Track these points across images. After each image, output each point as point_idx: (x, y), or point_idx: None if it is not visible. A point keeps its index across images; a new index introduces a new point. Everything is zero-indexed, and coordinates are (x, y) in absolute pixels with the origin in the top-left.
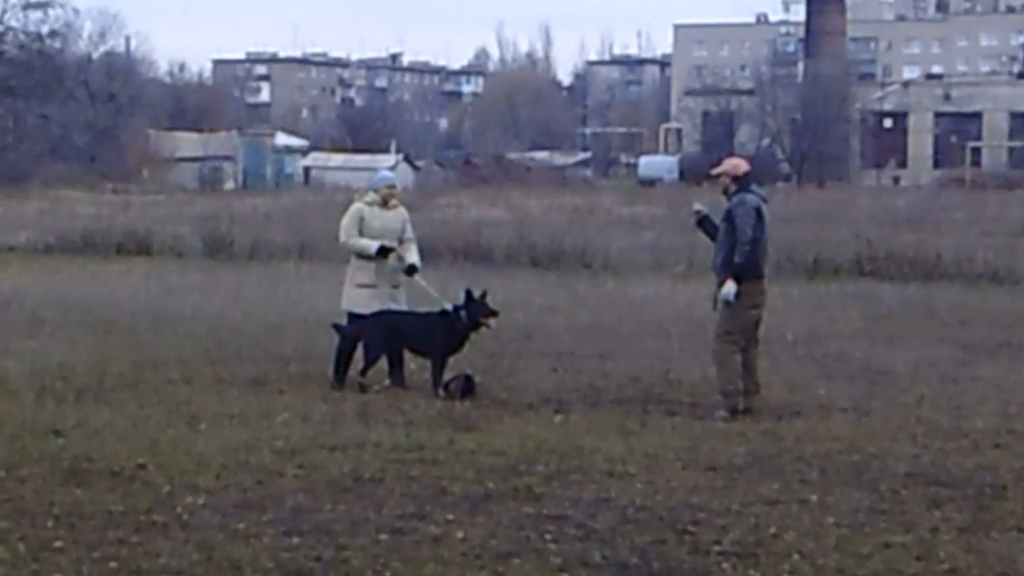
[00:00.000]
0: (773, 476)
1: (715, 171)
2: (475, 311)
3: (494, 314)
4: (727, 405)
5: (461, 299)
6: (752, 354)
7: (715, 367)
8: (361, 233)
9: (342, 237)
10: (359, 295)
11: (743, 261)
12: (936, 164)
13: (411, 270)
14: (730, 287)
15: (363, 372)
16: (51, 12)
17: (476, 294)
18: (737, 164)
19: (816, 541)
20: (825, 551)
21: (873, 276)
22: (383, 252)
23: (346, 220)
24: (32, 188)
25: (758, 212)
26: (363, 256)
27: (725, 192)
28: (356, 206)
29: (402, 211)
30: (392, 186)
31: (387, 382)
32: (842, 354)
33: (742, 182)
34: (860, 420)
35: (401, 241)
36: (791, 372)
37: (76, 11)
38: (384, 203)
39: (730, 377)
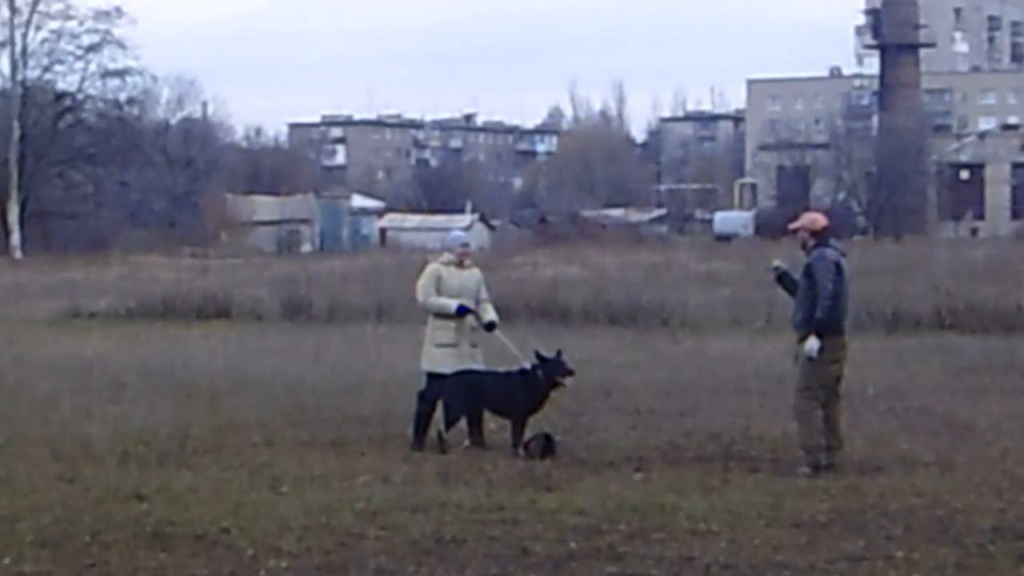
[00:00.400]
0: (857, 532)
1: (793, 226)
2: (552, 369)
3: (570, 372)
4: (809, 461)
5: (536, 359)
6: (834, 409)
7: (796, 423)
8: (438, 293)
9: (420, 297)
10: (439, 355)
11: (824, 316)
12: (1014, 215)
13: (491, 326)
14: (812, 343)
15: (444, 432)
16: (129, 79)
17: (551, 353)
18: (815, 219)
19: None
20: None
21: (953, 329)
22: (463, 311)
23: (423, 280)
24: (112, 254)
25: (838, 267)
26: (442, 316)
27: (804, 247)
28: (432, 266)
29: (476, 271)
30: (466, 245)
31: (467, 443)
32: (924, 408)
33: (820, 236)
34: (944, 474)
35: (478, 301)
36: (873, 427)
37: (154, 78)
38: (460, 263)
39: (811, 432)
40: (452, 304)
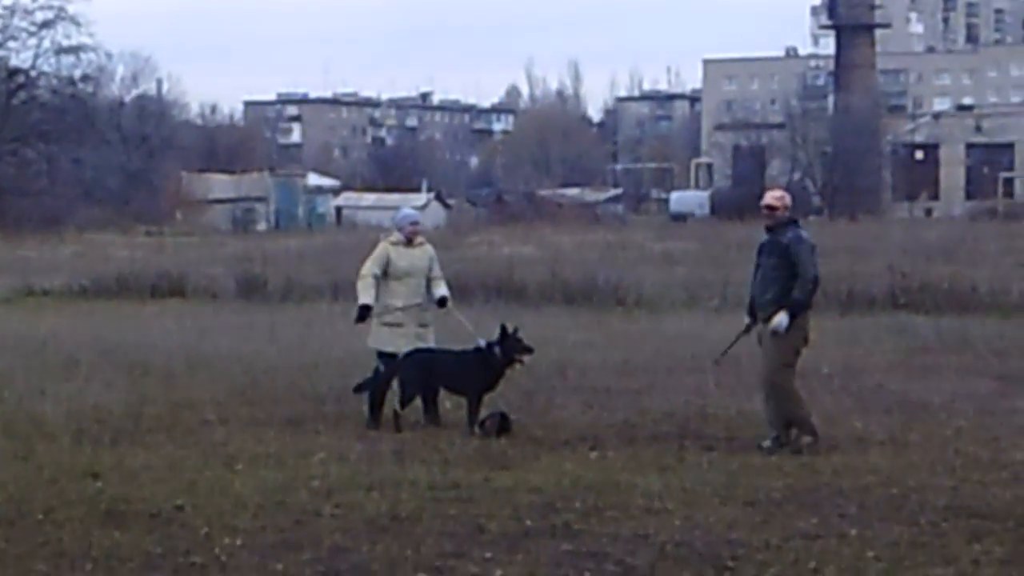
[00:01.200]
0: (811, 510)
1: (772, 202)
2: (510, 347)
3: (529, 350)
4: (807, 429)
5: (496, 335)
6: None
7: (775, 400)
8: (387, 273)
9: (361, 274)
10: (385, 334)
11: (805, 298)
12: (968, 195)
13: (442, 302)
14: (783, 318)
15: (399, 410)
16: (83, 56)
17: (510, 330)
18: (784, 196)
19: (856, 575)
20: None
21: (908, 308)
22: (361, 316)
23: (369, 260)
24: (66, 232)
25: (815, 248)
26: (387, 296)
27: (775, 225)
28: (381, 246)
29: (428, 248)
30: (416, 223)
31: (422, 420)
32: (878, 387)
33: (791, 217)
34: (898, 453)
35: (429, 280)
36: (827, 406)
37: (109, 55)
38: (409, 242)
39: (799, 403)
40: (361, 299)
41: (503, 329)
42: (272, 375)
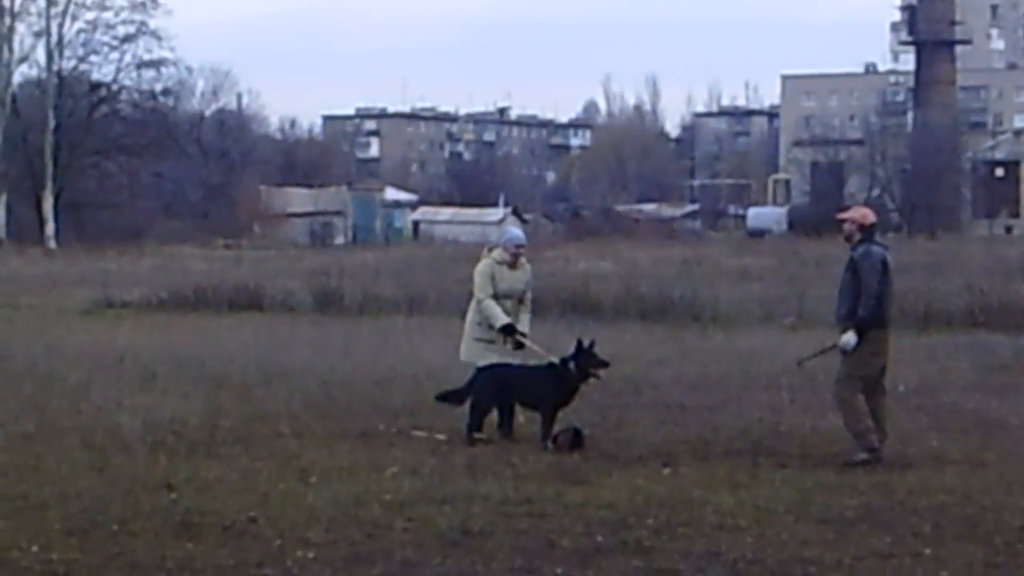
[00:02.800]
0: (886, 529)
1: (842, 215)
2: (585, 362)
3: (604, 364)
4: (862, 445)
5: (571, 350)
6: (879, 402)
7: (840, 411)
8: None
9: (478, 295)
10: (477, 349)
11: (867, 315)
12: None
13: (519, 346)
14: (850, 337)
15: (472, 427)
16: (164, 71)
17: (585, 344)
18: (865, 214)
19: None
20: None
21: (986, 327)
22: (507, 332)
23: (479, 279)
24: (146, 244)
25: (884, 264)
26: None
27: (849, 239)
28: (487, 263)
29: (528, 269)
30: (521, 246)
31: (497, 435)
32: (955, 405)
33: (867, 232)
34: (974, 472)
35: (521, 300)
36: (903, 424)
37: (189, 69)
38: (513, 263)
39: (858, 416)
40: (499, 321)
41: (579, 344)
42: (347, 389)
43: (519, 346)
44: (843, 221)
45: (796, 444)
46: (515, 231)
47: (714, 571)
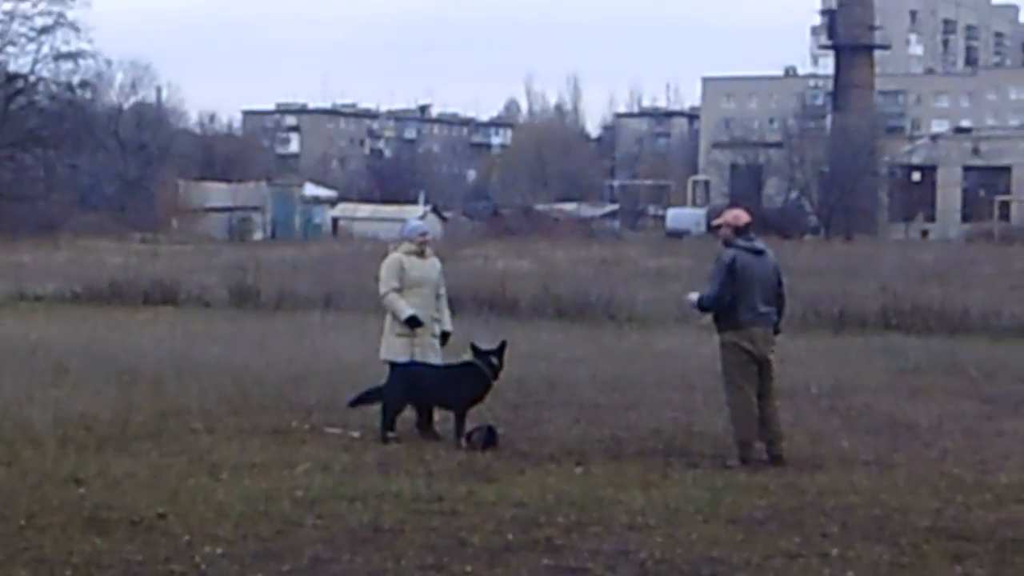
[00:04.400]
0: (794, 529)
1: (716, 222)
2: (488, 363)
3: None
4: (738, 451)
5: (486, 348)
6: (766, 404)
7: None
8: (401, 283)
9: (382, 290)
10: (398, 344)
11: (707, 305)
12: (964, 218)
13: (444, 338)
14: (692, 295)
15: (386, 426)
16: (82, 63)
17: (494, 345)
18: (737, 215)
19: None
20: None
21: (899, 329)
22: (412, 323)
23: (385, 272)
24: (61, 237)
25: (731, 266)
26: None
27: (726, 243)
28: (394, 256)
29: (436, 260)
30: (425, 234)
31: (419, 433)
32: (866, 407)
33: (742, 232)
34: (883, 473)
35: (438, 295)
36: (814, 424)
37: (108, 62)
38: (420, 253)
39: (737, 420)
40: (405, 312)
41: (473, 348)
42: (261, 384)
43: (444, 339)
44: (718, 227)
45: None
46: (415, 222)
47: (624, 570)
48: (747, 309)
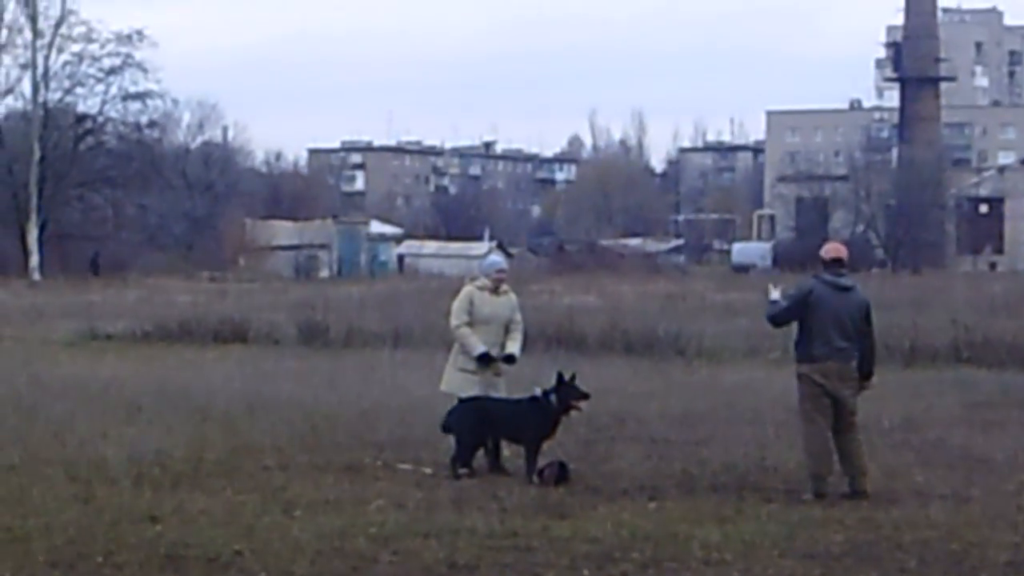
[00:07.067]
0: (871, 564)
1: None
2: (566, 394)
3: (585, 396)
4: (811, 485)
5: (551, 383)
6: (845, 439)
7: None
8: (470, 317)
9: (453, 322)
10: (459, 379)
11: (768, 319)
12: None
13: (509, 359)
14: (774, 289)
15: (458, 463)
16: (150, 103)
17: (566, 377)
18: (828, 249)
19: None
20: None
21: (970, 363)
22: (484, 360)
23: (456, 304)
24: (130, 277)
25: (805, 296)
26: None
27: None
28: (467, 289)
29: (512, 297)
30: (502, 271)
31: (487, 468)
32: (940, 441)
33: (827, 266)
34: (959, 508)
35: (508, 329)
36: (888, 459)
37: (175, 102)
38: (495, 289)
39: (810, 453)
40: (477, 349)
41: (559, 376)
42: (332, 421)
43: (509, 360)
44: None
45: (781, 479)
46: (494, 257)
47: None
48: (822, 343)
